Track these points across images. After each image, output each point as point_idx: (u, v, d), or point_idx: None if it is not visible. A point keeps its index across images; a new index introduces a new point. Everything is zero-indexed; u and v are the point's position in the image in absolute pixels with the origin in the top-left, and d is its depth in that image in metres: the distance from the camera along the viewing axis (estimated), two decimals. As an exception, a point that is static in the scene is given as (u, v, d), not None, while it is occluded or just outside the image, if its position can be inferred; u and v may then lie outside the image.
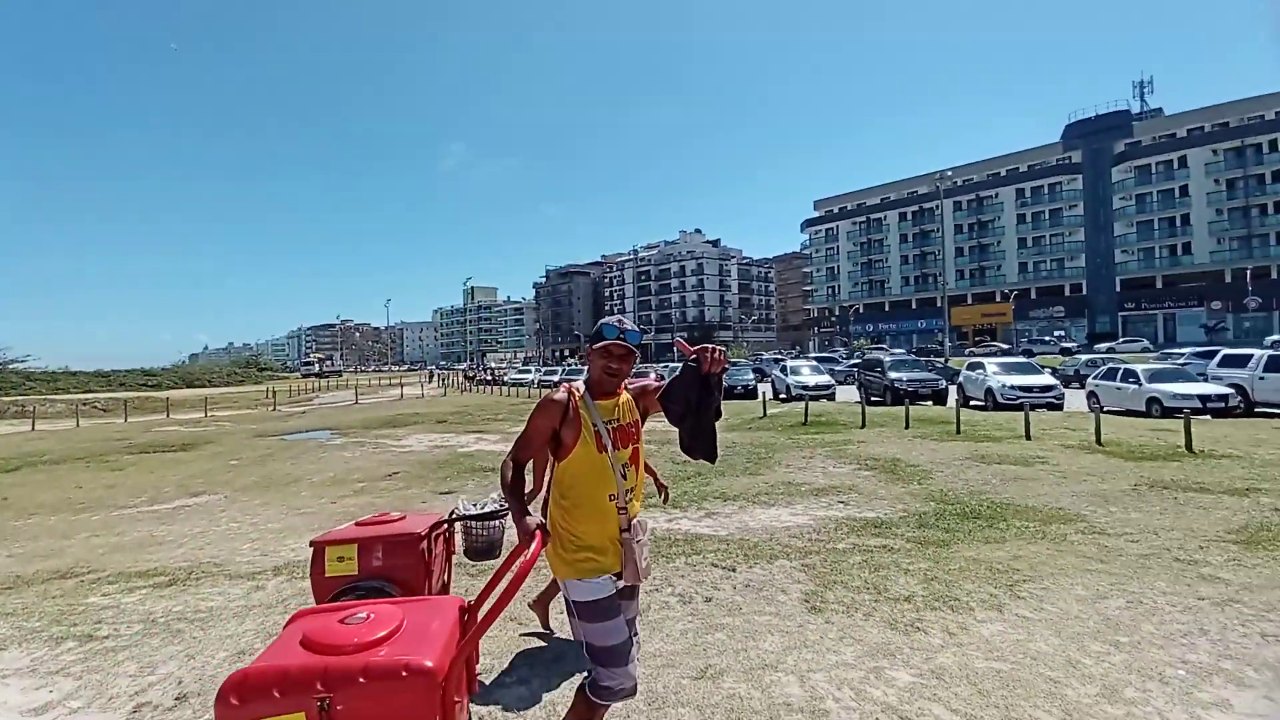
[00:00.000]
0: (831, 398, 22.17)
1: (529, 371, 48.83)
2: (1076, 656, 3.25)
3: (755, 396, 25.44)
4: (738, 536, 5.83)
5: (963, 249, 74.22)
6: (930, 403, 19.84)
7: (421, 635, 1.72)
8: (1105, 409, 17.04)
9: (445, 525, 3.29)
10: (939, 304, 71.07)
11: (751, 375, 26.93)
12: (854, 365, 31.69)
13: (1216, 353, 19.22)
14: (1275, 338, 40.23)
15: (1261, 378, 15.36)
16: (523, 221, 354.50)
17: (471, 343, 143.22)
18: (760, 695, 2.90)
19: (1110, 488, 7.35)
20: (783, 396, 23.37)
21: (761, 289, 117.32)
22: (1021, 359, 22.55)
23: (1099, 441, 10.59)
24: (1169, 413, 15.04)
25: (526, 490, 3.16)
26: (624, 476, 2.10)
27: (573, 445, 2.06)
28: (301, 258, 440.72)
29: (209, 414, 28.01)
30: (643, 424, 2.23)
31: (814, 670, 3.11)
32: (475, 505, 3.35)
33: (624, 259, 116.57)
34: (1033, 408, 17.53)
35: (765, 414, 16.86)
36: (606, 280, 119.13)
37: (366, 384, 53.77)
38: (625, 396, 2.20)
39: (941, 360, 35.95)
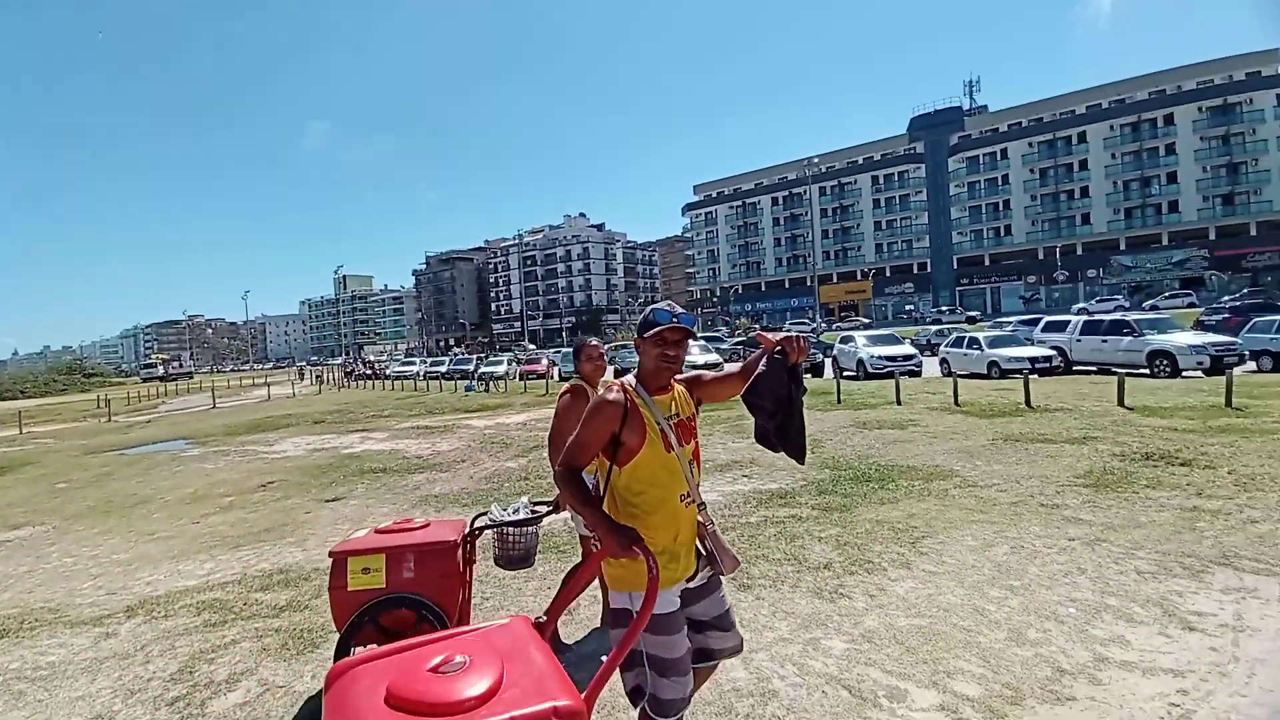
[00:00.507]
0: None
1: (413, 364, 46.23)
2: (981, 604, 3.47)
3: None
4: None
5: (828, 231, 79.37)
6: (809, 375, 21.03)
7: (532, 671, 1.48)
8: (955, 373, 18.92)
9: (475, 533, 3.03)
10: (809, 283, 75.87)
11: (638, 358, 27.23)
12: (738, 343, 33.02)
13: (1039, 320, 21.96)
14: (1081, 305, 46.93)
15: (1078, 340, 17.71)
16: (399, 205, 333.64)
17: (346, 335, 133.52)
18: (708, 684, 2.81)
19: (973, 444, 8.08)
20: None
21: (646, 272, 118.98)
22: (886, 332, 24.42)
23: (957, 403, 11.68)
24: (1006, 374, 16.97)
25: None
26: (690, 474, 1.97)
27: (638, 447, 1.87)
28: (137, 247, 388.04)
29: (24, 430, 23.90)
30: (697, 416, 2.08)
31: (755, 650, 3.07)
32: (507, 510, 3.06)
33: (509, 244, 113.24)
34: (896, 375, 19.13)
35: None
36: (491, 266, 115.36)
37: (225, 385, 48.41)
38: (679, 389, 2.04)
39: (815, 335, 38.33)
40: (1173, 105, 61.09)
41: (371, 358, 71.44)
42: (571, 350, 3.52)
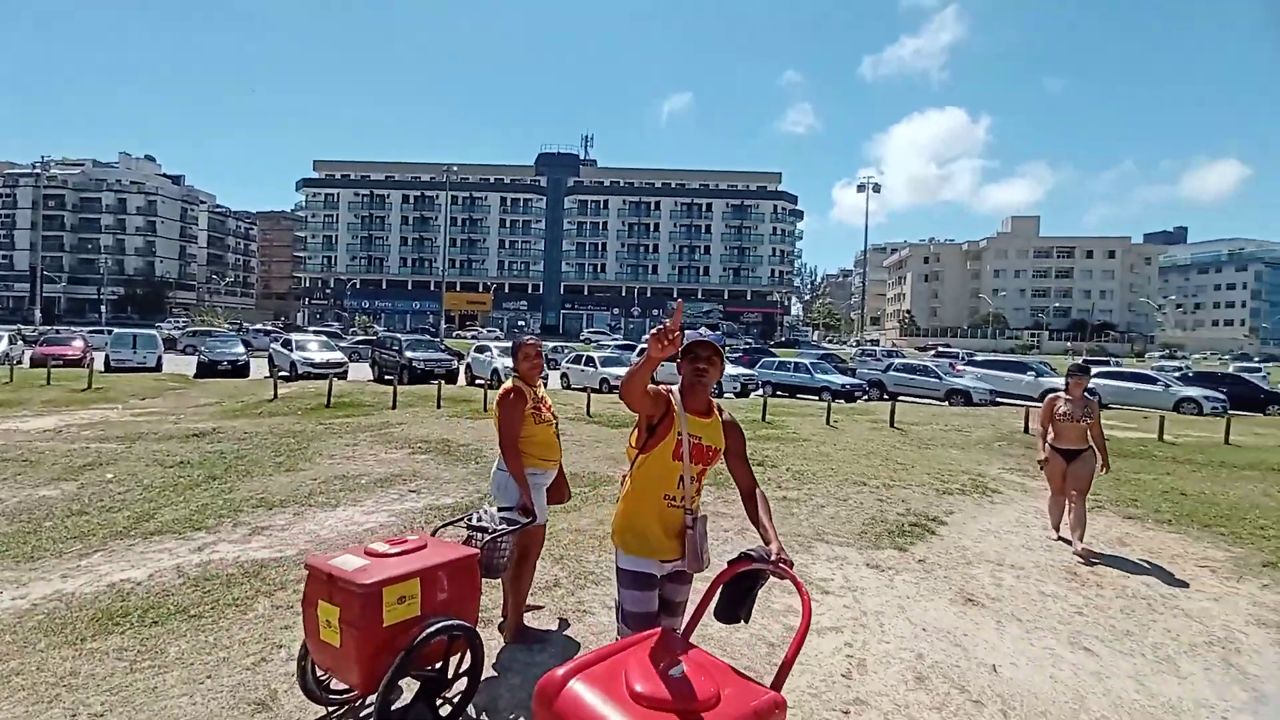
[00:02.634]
0: (344, 376, 20.30)
1: None
2: (693, 599, 3.85)
3: (247, 374, 21.15)
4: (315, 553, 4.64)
5: (456, 240, 79.15)
6: (443, 381, 20.42)
7: (729, 673, 1.72)
8: (574, 387, 21.04)
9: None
10: (433, 288, 74.05)
11: (241, 349, 22.16)
12: (361, 342, 29.98)
13: (634, 346, 26.22)
14: (647, 336, 58.01)
15: (664, 364, 21.71)
16: None
17: None
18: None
19: (615, 451, 9.02)
20: (285, 374, 20.10)
21: (240, 247, 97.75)
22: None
23: (589, 413, 12.93)
24: (614, 388, 19.66)
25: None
26: (687, 486, 2.17)
27: (657, 443, 2.12)
28: None
29: None
30: (719, 458, 2.28)
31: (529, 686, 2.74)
32: (483, 516, 2.97)
33: (20, 172, 78.15)
34: (528, 385, 20.13)
35: (276, 395, 14.11)
36: (-28, 198, 77.81)
37: None
38: (717, 420, 2.24)
39: (439, 340, 37.59)
40: (712, 197, 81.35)
41: None
42: (510, 348, 3.56)
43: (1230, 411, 16.74)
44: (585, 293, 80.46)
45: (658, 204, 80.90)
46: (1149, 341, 75.26)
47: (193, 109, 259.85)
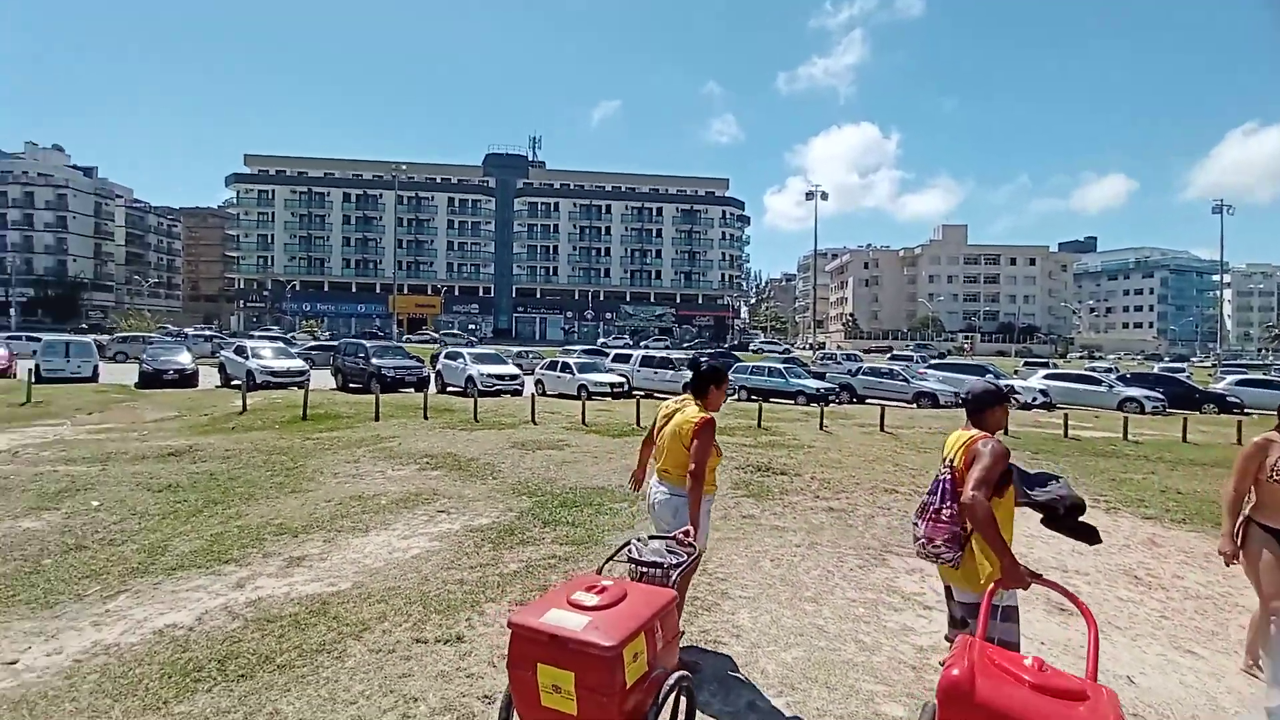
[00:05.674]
0: (305, 385, 19.26)
1: None
2: (817, 622, 3.79)
3: (195, 384, 19.84)
4: (375, 586, 4.31)
5: (403, 241, 76.54)
6: (414, 390, 19.66)
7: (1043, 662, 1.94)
8: (549, 393, 20.67)
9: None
10: (378, 290, 71.47)
11: (188, 357, 20.73)
12: (315, 348, 28.58)
13: (608, 352, 26.04)
14: (603, 340, 57.69)
15: (639, 370, 21.65)
16: None
17: None
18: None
19: (633, 463, 8.85)
20: (236, 383, 18.92)
21: (163, 245, 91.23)
22: (491, 350, 24.81)
23: (584, 422, 12.71)
24: (593, 395, 19.43)
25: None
26: None
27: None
28: None
29: None
30: None
31: None
32: (643, 551, 2.79)
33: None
34: (502, 393, 19.68)
35: (245, 408, 13.23)
36: None
37: None
38: None
39: (401, 346, 36.19)
40: (662, 201, 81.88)
41: None
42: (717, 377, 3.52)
43: (1169, 410, 18.16)
44: (537, 296, 79.44)
45: (608, 207, 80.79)
46: (1069, 344, 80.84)
47: (104, 96, 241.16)
